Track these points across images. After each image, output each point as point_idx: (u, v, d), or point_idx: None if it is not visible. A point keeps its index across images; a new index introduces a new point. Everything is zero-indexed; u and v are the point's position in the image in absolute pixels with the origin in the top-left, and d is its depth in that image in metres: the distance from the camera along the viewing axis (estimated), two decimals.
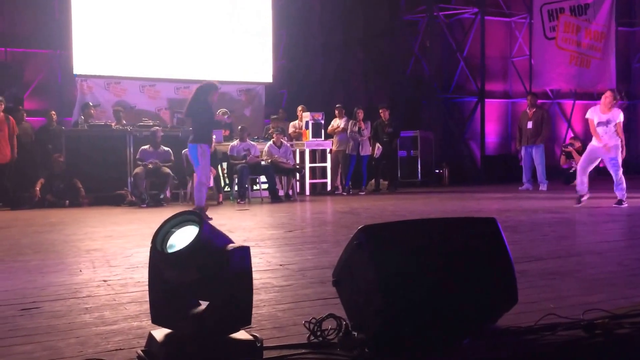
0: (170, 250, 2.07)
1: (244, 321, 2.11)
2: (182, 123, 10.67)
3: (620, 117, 7.44)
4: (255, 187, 10.28)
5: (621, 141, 7.44)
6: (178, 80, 11.68)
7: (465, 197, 9.73)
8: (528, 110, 10.83)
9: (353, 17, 14.46)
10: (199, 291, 2.09)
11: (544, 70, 13.45)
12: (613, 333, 2.25)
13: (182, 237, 2.07)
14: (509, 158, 13.34)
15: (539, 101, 11.95)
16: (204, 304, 2.12)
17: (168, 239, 2.11)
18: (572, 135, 13.30)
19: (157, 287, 2.15)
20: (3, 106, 9.19)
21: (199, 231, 2.02)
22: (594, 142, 7.51)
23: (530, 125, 10.61)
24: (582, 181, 7.53)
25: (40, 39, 11.26)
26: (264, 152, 10.03)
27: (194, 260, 2.02)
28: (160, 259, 2.10)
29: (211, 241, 2.06)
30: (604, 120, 7.47)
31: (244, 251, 2.10)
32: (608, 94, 7.62)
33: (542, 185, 10.53)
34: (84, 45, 10.87)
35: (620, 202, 7.43)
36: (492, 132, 14.13)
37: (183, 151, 9.77)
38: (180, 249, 2.01)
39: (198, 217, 2.09)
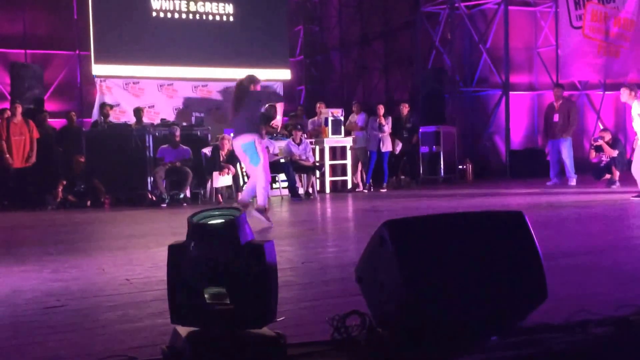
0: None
1: (270, 317, 2.10)
2: (201, 122, 10.63)
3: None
4: (274, 185, 10.17)
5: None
6: (196, 79, 11.67)
7: (490, 193, 9.50)
8: (554, 103, 10.52)
9: (371, 10, 14.28)
10: (227, 282, 2.08)
11: (571, 61, 13.06)
12: None
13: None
14: (535, 152, 12.99)
15: (567, 93, 11.59)
16: (226, 297, 2.10)
17: (207, 221, 2.15)
18: (601, 127, 12.90)
19: (179, 283, 2.15)
20: (21, 109, 9.25)
21: (236, 217, 2.07)
22: None
23: (556, 118, 10.29)
24: None
25: (59, 40, 11.35)
26: (282, 150, 9.92)
27: (228, 243, 2.04)
28: (195, 232, 2.12)
29: (245, 232, 2.09)
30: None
31: (272, 246, 2.12)
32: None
33: (570, 179, 10.21)
34: (103, 46, 10.92)
35: None
36: (517, 126, 13.78)
37: (202, 150, 9.73)
38: (218, 223, 2.08)
39: (238, 212, 2.13)
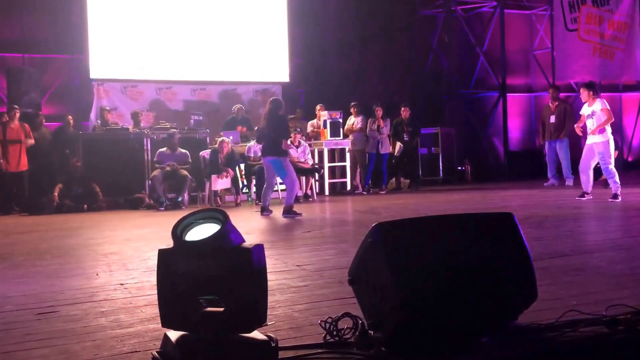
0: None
1: (260, 320, 2.09)
2: (200, 125, 10.63)
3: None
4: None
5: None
6: (194, 82, 11.65)
7: (488, 194, 9.52)
8: (550, 104, 10.58)
9: (370, 12, 14.31)
10: (217, 288, 2.07)
11: (566, 63, 13.13)
12: (636, 329, 2.19)
13: (202, 232, 2.08)
14: (533, 153, 13.04)
15: (563, 94, 11.64)
16: (217, 303, 2.10)
17: (188, 231, 2.11)
18: None
19: (169, 288, 2.13)
20: (19, 114, 9.23)
21: (222, 227, 2.03)
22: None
23: (553, 119, 10.36)
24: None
25: (57, 44, 11.31)
26: None
27: (216, 253, 2.02)
28: (181, 248, 2.08)
29: (231, 238, 2.07)
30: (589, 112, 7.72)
31: (262, 249, 2.11)
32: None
33: (568, 180, 10.26)
34: (101, 50, 10.90)
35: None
36: (515, 127, 13.84)
37: (200, 153, 9.74)
38: (204, 238, 2.03)
39: (222, 215, 2.09)
